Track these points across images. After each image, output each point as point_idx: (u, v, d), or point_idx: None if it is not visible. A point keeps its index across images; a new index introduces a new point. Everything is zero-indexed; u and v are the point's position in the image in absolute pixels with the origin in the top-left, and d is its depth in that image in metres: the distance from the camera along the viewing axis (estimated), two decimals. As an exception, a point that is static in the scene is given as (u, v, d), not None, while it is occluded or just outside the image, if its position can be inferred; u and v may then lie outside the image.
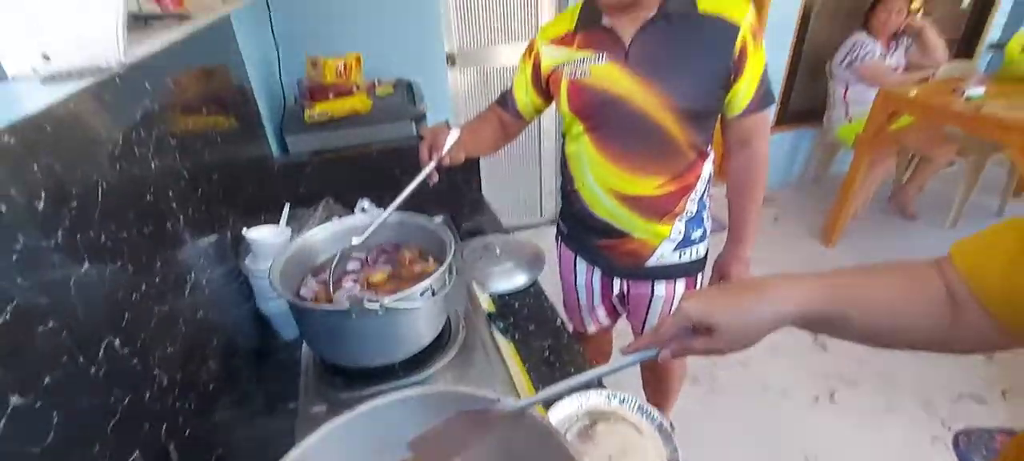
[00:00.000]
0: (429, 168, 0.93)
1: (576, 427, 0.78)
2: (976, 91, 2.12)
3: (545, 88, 1.03)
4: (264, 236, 0.91)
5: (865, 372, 1.89)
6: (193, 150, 0.79)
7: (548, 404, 0.80)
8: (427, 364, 0.86)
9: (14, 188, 0.36)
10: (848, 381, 1.87)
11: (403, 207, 0.90)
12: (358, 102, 1.56)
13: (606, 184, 1.01)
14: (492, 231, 1.36)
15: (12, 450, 0.32)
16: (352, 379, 0.84)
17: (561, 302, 1.29)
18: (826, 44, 2.87)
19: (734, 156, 1.02)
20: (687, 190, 1.00)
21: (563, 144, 1.09)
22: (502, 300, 1.07)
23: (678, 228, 1.04)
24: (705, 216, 1.08)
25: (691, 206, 1.03)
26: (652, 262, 1.08)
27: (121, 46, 0.51)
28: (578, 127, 0.99)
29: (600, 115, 0.95)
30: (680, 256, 1.08)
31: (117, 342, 0.46)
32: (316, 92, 1.65)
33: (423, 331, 0.83)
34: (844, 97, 2.69)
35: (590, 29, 0.94)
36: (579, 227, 1.13)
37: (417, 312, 0.79)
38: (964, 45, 3.28)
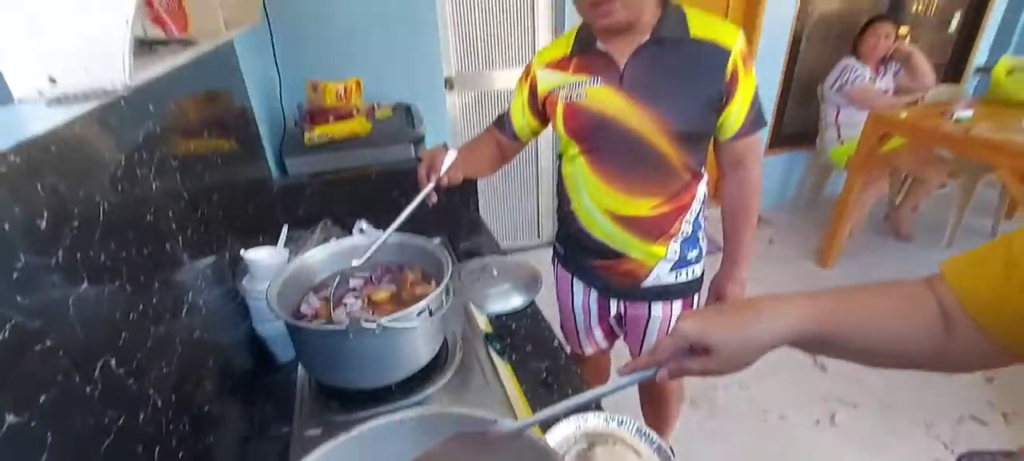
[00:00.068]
0: (428, 188, 0.94)
1: (574, 450, 0.77)
2: (964, 114, 2.16)
3: (541, 110, 1.05)
4: (262, 257, 0.91)
5: (866, 394, 1.88)
6: (194, 172, 0.80)
7: (546, 426, 0.80)
8: (424, 386, 0.85)
9: (17, 207, 0.37)
10: (849, 403, 1.85)
11: (402, 228, 0.91)
12: (357, 125, 1.58)
13: (602, 205, 1.02)
14: (490, 252, 1.36)
15: (5, 470, 0.32)
16: (348, 401, 0.83)
17: (558, 324, 1.29)
18: (817, 68, 2.94)
19: (727, 178, 1.04)
20: (682, 211, 1.02)
21: (559, 166, 1.10)
22: (499, 321, 1.07)
23: (674, 248, 1.04)
24: (700, 237, 1.08)
25: (686, 227, 1.04)
26: (648, 283, 1.08)
27: (127, 70, 0.52)
28: (574, 148, 1.01)
29: (595, 137, 0.97)
30: (676, 277, 1.08)
31: (113, 362, 0.46)
32: (316, 115, 1.67)
33: (420, 352, 0.83)
34: (836, 120, 2.74)
35: (585, 53, 0.96)
36: (575, 248, 1.13)
37: (414, 332, 0.78)
38: (951, 69, 3.35)
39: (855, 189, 2.46)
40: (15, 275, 0.36)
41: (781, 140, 3.19)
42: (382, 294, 0.87)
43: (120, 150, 0.56)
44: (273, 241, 1.00)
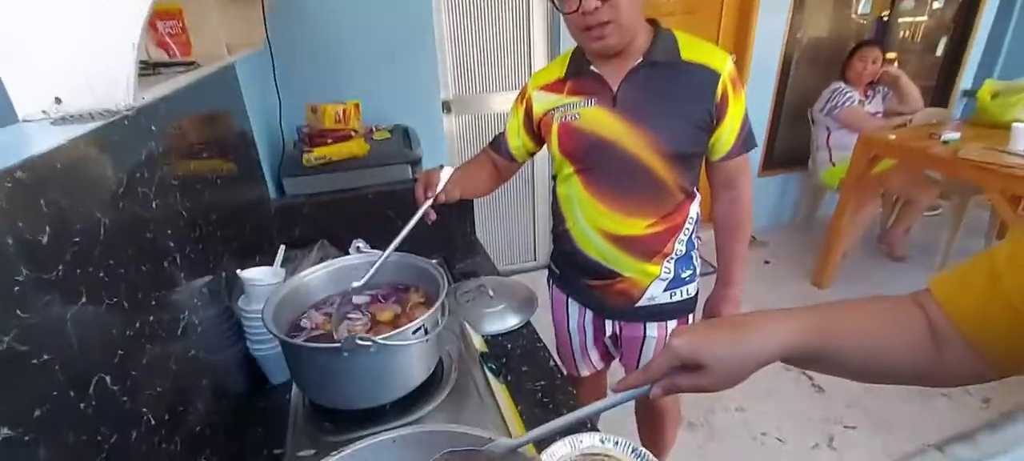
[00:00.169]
0: (426, 205, 0.95)
1: (570, 470, 0.76)
2: (952, 135, 2.20)
3: (537, 132, 1.07)
4: (258, 277, 0.91)
5: (863, 417, 1.87)
6: (193, 191, 0.80)
7: (541, 446, 0.79)
8: (419, 406, 0.85)
9: (21, 223, 0.38)
10: (845, 425, 1.84)
11: (400, 247, 0.92)
12: (356, 146, 1.60)
13: (596, 224, 1.03)
14: (486, 273, 1.37)
15: (-3, 484, 0.32)
16: (342, 422, 0.82)
17: (555, 348, 1.28)
18: (807, 91, 3.00)
19: (719, 198, 1.06)
20: (675, 230, 1.03)
21: (554, 186, 1.12)
22: (495, 341, 1.07)
23: (667, 267, 1.05)
24: (694, 256, 1.10)
25: (680, 246, 1.05)
26: (643, 302, 1.08)
27: (131, 91, 0.53)
28: (568, 168, 1.02)
29: (590, 157, 0.99)
30: (671, 296, 1.09)
31: (108, 379, 0.46)
32: (315, 137, 1.69)
33: (415, 371, 0.83)
34: (827, 142, 2.78)
35: (580, 75, 0.98)
36: (570, 267, 1.14)
37: (410, 351, 0.78)
38: (939, 92, 3.42)
39: (848, 210, 2.49)
40: (16, 289, 0.36)
41: (774, 162, 3.23)
42: (387, 314, 0.88)
43: (122, 169, 0.57)
44: (269, 261, 1.00)
